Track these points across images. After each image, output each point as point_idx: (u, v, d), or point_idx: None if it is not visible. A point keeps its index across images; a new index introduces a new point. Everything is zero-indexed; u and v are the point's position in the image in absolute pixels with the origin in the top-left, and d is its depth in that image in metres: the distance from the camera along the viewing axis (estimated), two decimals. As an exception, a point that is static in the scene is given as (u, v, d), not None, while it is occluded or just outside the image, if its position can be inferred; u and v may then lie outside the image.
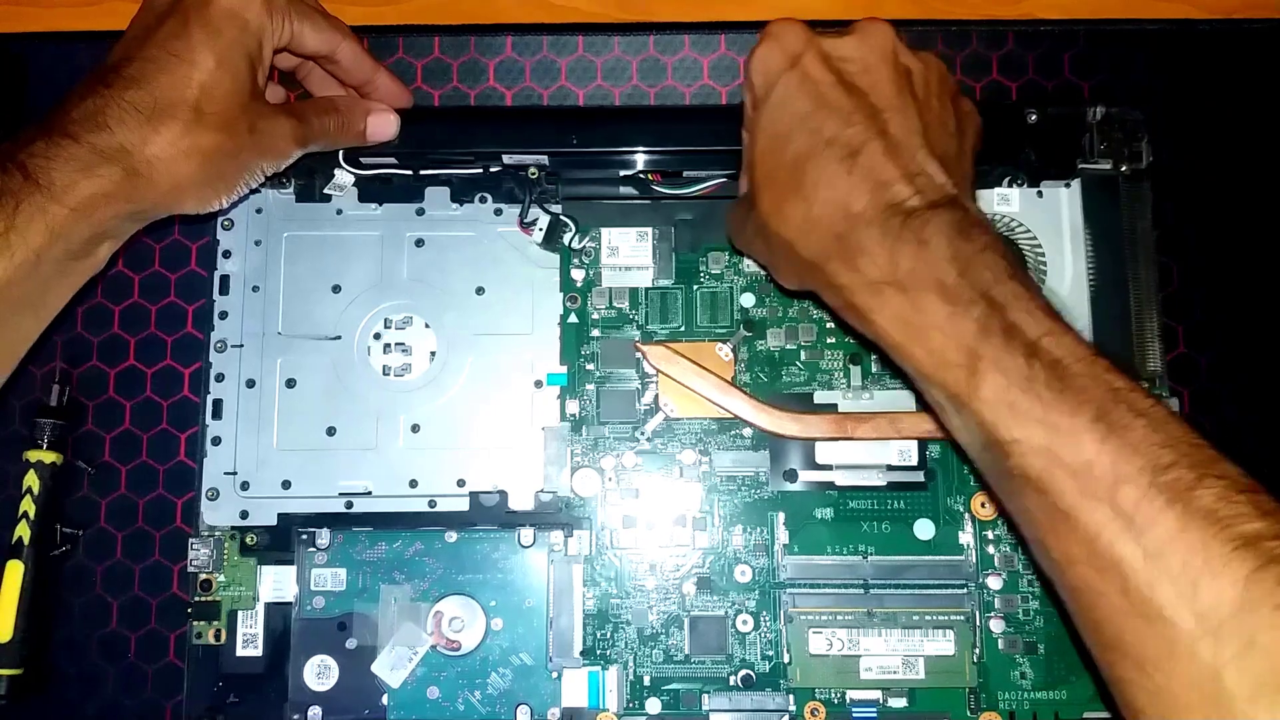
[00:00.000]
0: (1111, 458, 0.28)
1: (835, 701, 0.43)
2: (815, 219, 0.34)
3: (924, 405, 0.44)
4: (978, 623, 0.43)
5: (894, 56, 0.36)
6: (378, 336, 0.46)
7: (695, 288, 0.46)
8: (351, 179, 0.47)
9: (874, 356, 0.45)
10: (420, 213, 0.47)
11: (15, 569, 0.44)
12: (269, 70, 0.41)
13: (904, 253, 0.32)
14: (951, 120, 0.37)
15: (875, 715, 0.43)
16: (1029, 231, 0.46)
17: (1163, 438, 0.28)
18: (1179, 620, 0.26)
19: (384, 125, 0.45)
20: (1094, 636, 0.29)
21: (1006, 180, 0.47)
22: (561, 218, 0.46)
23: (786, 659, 0.43)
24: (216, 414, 0.45)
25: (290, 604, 0.44)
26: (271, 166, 0.41)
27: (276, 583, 0.44)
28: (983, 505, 0.44)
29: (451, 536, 0.44)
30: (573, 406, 0.45)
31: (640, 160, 0.46)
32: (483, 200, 0.47)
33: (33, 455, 0.45)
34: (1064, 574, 0.30)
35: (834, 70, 0.35)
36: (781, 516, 0.44)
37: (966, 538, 0.44)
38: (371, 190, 0.47)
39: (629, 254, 0.46)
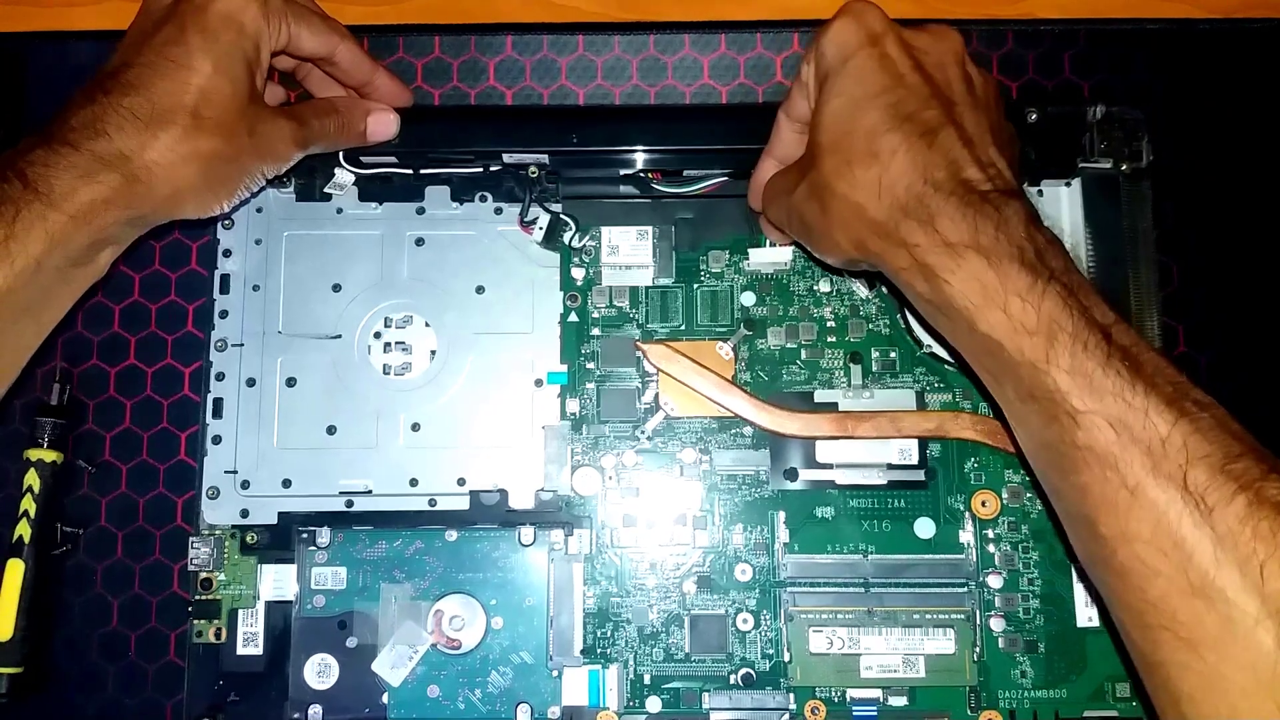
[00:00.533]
0: (1184, 438, 0.28)
1: (835, 700, 0.43)
2: (891, 182, 0.34)
3: (923, 404, 0.45)
4: (978, 621, 0.43)
5: (964, 61, 0.37)
6: (378, 335, 0.46)
7: (695, 286, 0.46)
8: (352, 178, 0.47)
9: (875, 355, 0.46)
10: (420, 212, 0.47)
11: (16, 568, 0.44)
12: (267, 72, 0.41)
13: (985, 223, 0.32)
14: (1005, 133, 0.38)
15: (875, 714, 0.43)
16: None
17: (1229, 431, 0.29)
18: (1242, 603, 0.27)
19: (384, 125, 0.45)
20: (1143, 619, 0.29)
21: (1006, 179, 0.47)
22: (562, 216, 0.46)
23: (787, 657, 0.43)
24: (217, 413, 0.45)
25: (290, 603, 0.44)
26: (272, 170, 0.42)
27: (277, 581, 0.44)
28: (983, 504, 0.44)
29: (452, 535, 0.44)
30: (573, 405, 0.45)
31: (640, 159, 0.46)
32: (483, 199, 0.47)
33: (33, 454, 0.45)
34: (1116, 552, 0.30)
35: (911, 56, 0.36)
36: (782, 515, 0.44)
37: (967, 536, 0.44)
38: (372, 189, 0.47)
39: (629, 253, 0.46)
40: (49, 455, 0.45)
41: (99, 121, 0.36)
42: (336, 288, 0.46)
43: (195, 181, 0.38)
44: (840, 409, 0.45)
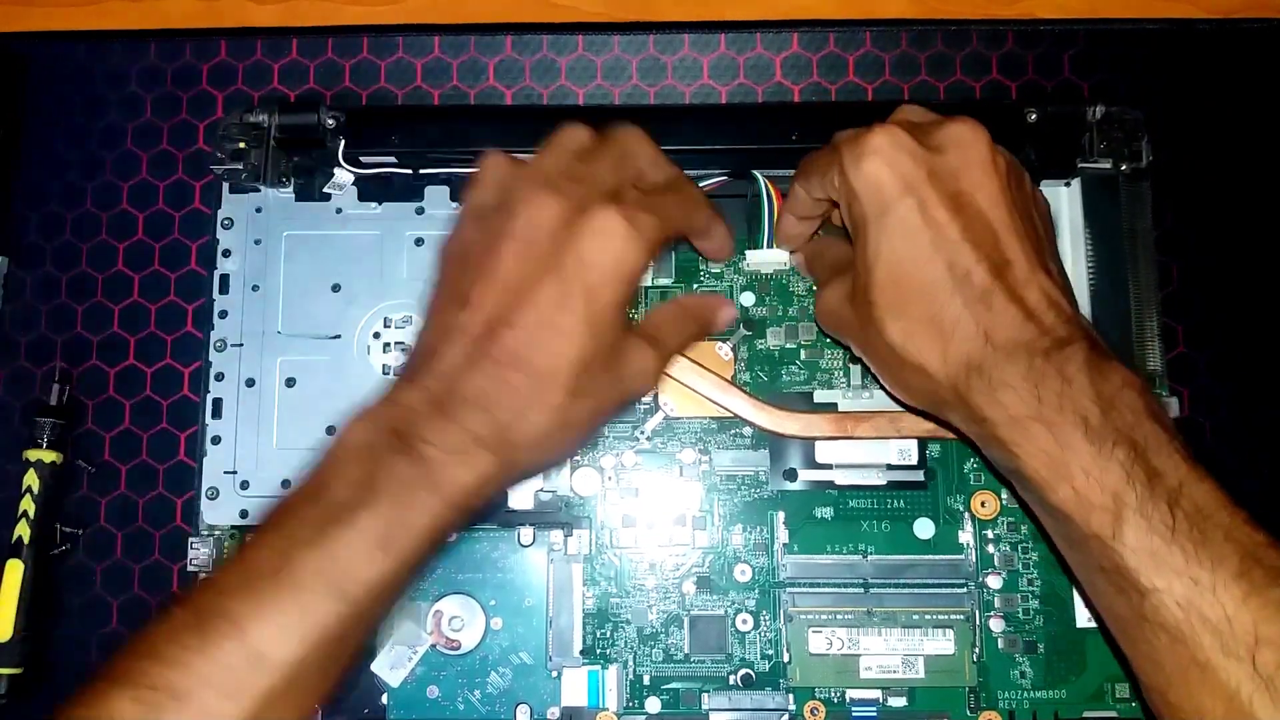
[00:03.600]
0: (1253, 616, 0.29)
1: (835, 701, 0.43)
2: (955, 352, 0.34)
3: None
4: (977, 622, 0.43)
5: (994, 164, 0.36)
6: (377, 336, 0.46)
7: (695, 287, 0.46)
8: (351, 178, 0.47)
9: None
10: (420, 211, 0.47)
11: (15, 568, 0.44)
12: None
13: (1048, 388, 0.32)
14: (1038, 219, 0.38)
15: (875, 714, 0.43)
16: (1029, 231, 0.45)
17: None
18: None
19: (728, 318, 0.44)
20: None
21: (1006, 180, 0.47)
22: (561, 217, 0.46)
23: (786, 658, 0.43)
24: (216, 413, 0.45)
25: (290, 603, 0.44)
26: (634, 401, 0.42)
27: (276, 582, 0.44)
28: (983, 504, 0.44)
29: (451, 535, 0.44)
30: (572, 406, 0.45)
31: (640, 159, 0.46)
32: (482, 199, 0.47)
33: (32, 454, 0.45)
34: None
35: (948, 194, 0.35)
36: (781, 516, 0.44)
37: (966, 537, 0.44)
38: (371, 189, 0.47)
39: (629, 253, 0.46)
40: (48, 456, 0.45)
41: (482, 397, 0.33)
42: (336, 288, 0.46)
43: (563, 448, 0.37)
44: (840, 409, 0.45)
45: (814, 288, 0.45)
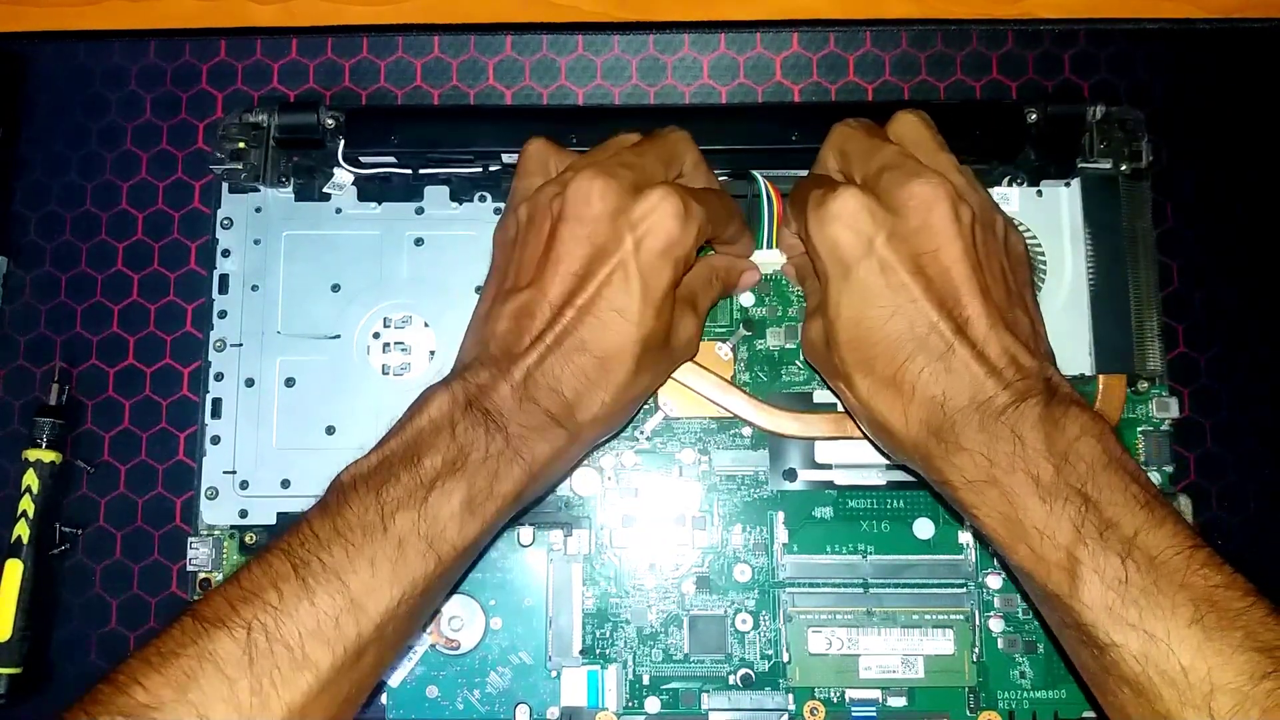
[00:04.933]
0: (1208, 664, 0.29)
1: (834, 701, 0.43)
2: (915, 412, 0.35)
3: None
4: (977, 622, 0.43)
5: (955, 222, 0.35)
6: (377, 336, 0.46)
7: (695, 287, 0.46)
8: (351, 178, 0.47)
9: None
10: (420, 212, 0.47)
11: (14, 568, 0.44)
12: None
13: (999, 450, 0.33)
14: (1009, 270, 0.37)
15: (875, 714, 0.43)
16: (1029, 231, 0.45)
17: (1259, 643, 0.29)
18: None
19: (753, 280, 0.45)
20: None
21: (1006, 180, 0.47)
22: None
23: (786, 658, 0.43)
24: (216, 413, 0.45)
25: (289, 603, 0.44)
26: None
27: (275, 582, 0.44)
28: (982, 505, 0.44)
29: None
30: (572, 406, 0.45)
31: (640, 159, 0.46)
32: (482, 199, 0.47)
33: (32, 454, 0.45)
34: None
35: (910, 256, 0.35)
36: (781, 516, 0.44)
37: (966, 537, 0.44)
38: (371, 189, 0.47)
39: (628, 253, 0.46)
40: (48, 456, 0.45)
41: (557, 380, 0.36)
42: (335, 288, 0.46)
43: (623, 419, 0.40)
44: (839, 409, 0.45)
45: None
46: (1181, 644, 0.29)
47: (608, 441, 0.44)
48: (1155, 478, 0.44)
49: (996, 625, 0.43)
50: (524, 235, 0.38)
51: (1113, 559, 0.31)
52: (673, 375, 0.44)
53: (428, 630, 0.43)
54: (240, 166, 0.46)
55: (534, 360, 0.36)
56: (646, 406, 0.45)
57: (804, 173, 0.44)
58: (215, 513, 0.44)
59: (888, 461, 0.44)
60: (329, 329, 0.46)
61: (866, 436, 0.41)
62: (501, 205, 0.47)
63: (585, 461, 0.45)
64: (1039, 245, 0.45)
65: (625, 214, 0.36)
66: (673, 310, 0.38)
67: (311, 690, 0.30)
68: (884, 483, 0.44)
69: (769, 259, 0.46)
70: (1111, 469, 0.32)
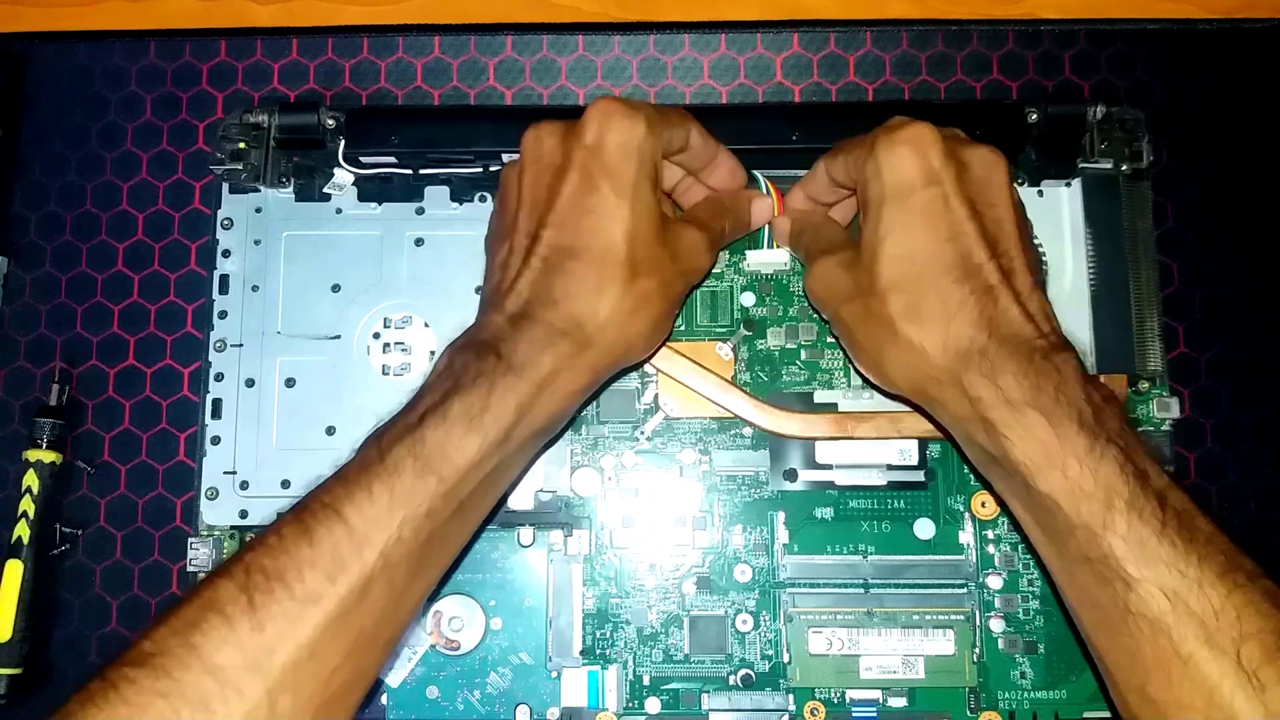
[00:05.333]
0: (1238, 611, 0.29)
1: (835, 701, 0.43)
2: (957, 335, 0.35)
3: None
4: (977, 622, 0.43)
5: (1011, 190, 0.38)
6: (377, 336, 0.46)
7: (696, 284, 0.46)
8: (351, 178, 0.47)
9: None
10: (420, 212, 0.47)
11: (15, 568, 0.44)
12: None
13: (1046, 382, 0.33)
14: (1034, 255, 0.39)
15: (875, 715, 0.43)
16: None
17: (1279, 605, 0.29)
18: None
19: (765, 210, 0.45)
20: None
21: (1006, 180, 0.47)
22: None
23: (786, 658, 0.43)
24: (216, 413, 0.45)
25: (290, 603, 0.44)
26: (694, 284, 0.42)
27: (276, 582, 0.44)
28: (983, 505, 0.44)
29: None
30: (572, 406, 0.45)
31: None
32: (482, 199, 0.47)
33: (32, 455, 0.45)
34: (1166, 718, 0.30)
35: (969, 198, 0.36)
36: (781, 516, 0.44)
37: (966, 537, 0.44)
38: (371, 189, 0.47)
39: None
40: (48, 456, 0.45)
41: (550, 291, 0.36)
42: (336, 288, 0.46)
43: (643, 329, 0.38)
44: (840, 409, 0.45)
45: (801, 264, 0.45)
46: (1213, 589, 0.29)
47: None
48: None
49: (997, 625, 0.43)
50: (499, 207, 0.41)
51: (1151, 500, 0.31)
52: (673, 376, 0.44)
53: (428, 631, 0.43)
54: (240, 167, 0.46)
55: (523, 284, 0.37)
56: (646, 406, 0.45)
57: (804, 173, 0.44)
58: (215, 513, 0.44)
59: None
60: (329, 329, 0.46)
61: (857, 369, 0.40)
62: (502, 205, 0.47)
63: (585, 462, 0.45)
64: (1039, 245, 0.45)
65: (572, 133, 0.38)
66: (660, 211, 0.38)
67: (319, 626, 0.30)
68: (884, 483, 0.44)
69: (770, 259, 0.46)
70: (1134, 434, 0.33)
